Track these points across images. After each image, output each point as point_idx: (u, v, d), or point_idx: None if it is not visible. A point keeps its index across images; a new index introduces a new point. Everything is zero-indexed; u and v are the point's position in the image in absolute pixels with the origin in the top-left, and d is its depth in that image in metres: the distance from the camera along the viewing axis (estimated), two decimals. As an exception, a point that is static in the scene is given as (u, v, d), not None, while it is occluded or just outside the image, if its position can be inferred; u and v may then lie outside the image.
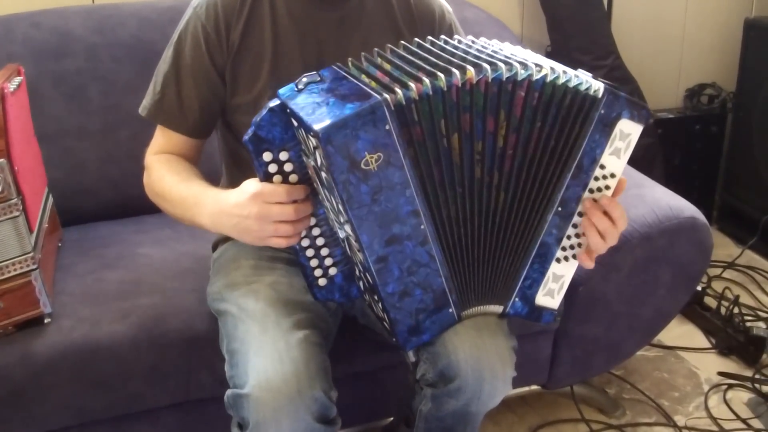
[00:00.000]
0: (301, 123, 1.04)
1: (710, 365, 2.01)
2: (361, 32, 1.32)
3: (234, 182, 1.26)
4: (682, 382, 1.96)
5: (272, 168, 1.11)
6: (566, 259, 1.19)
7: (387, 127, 1.02)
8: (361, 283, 1.21)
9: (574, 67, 1.14)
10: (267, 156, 1.10)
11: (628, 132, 1.10)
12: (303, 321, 1.21)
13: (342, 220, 1.10)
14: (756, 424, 1.80)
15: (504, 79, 1.06)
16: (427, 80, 1.04)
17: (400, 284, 1.12)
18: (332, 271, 1.22)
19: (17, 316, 1.31)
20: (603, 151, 1.11)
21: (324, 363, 1.19)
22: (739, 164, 2.60)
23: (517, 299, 1.20)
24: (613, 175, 1.13)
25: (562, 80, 1.08)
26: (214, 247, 1.48)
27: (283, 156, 1.11)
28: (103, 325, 1.34)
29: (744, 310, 2.14)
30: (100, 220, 1.76)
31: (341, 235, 1.13)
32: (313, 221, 1.16)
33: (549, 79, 1.08)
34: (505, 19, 2.20)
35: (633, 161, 1.28)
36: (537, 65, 1.08)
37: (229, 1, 1.29)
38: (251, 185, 1.12)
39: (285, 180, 1.12)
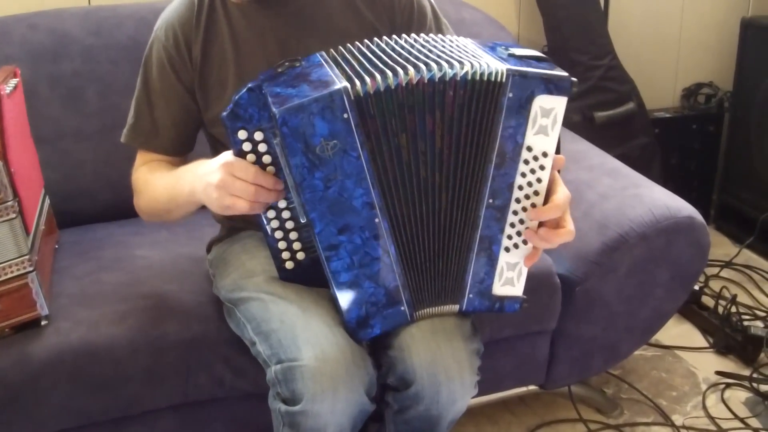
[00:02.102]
0: (267, 104, 1.06)
1: (708, 364, 2.01)
2: (322, 19, 1.32)
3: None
4: (679, 381, 1.96)
5: (246, 146, 1.12)
6: (516, 246, 1.17)
7: (345, 116, 1.03)
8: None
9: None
10: (242, 134, 1.12)
11: (549, 107, 1.08)
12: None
13: (298, 203, 1.11)
14: (754, 423, 1.80)
15: (436, 79, 1.07)
16: (378, 77, 1.05)
17: (350, 274, 1.13)
18: (300, 255, 1.22)
19: (14, 318, 1.31)
20: (525, 134, 1.09)
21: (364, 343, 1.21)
22: (736, 163, 2.60)
23: (471, 296, 1.20)
24: (545, 154, 1.11)
25: (478, 73, 1.08)
26: (209, 249, 1.49)
27: (258, 136, 1.12)
28: (101, 327, 1.34)
29: (741, 309, 2.14)
30: (97, 222, 1.76)
31: (302, 220, 1.13)
32: (283, 204, 1.17)
33: (470, 75, 1.08)
34: (503, 20, 2.20)
35: (630, 161, 1.27)
36: (460, 62, 1.08)
37: (185, 18, 1.31)
38: (226, 154, 1.14)
39: (258, 160, 1.13)
